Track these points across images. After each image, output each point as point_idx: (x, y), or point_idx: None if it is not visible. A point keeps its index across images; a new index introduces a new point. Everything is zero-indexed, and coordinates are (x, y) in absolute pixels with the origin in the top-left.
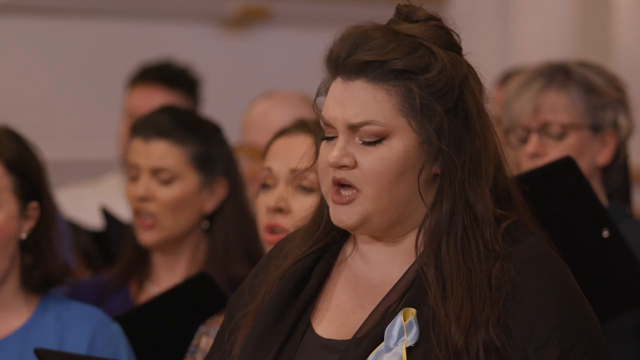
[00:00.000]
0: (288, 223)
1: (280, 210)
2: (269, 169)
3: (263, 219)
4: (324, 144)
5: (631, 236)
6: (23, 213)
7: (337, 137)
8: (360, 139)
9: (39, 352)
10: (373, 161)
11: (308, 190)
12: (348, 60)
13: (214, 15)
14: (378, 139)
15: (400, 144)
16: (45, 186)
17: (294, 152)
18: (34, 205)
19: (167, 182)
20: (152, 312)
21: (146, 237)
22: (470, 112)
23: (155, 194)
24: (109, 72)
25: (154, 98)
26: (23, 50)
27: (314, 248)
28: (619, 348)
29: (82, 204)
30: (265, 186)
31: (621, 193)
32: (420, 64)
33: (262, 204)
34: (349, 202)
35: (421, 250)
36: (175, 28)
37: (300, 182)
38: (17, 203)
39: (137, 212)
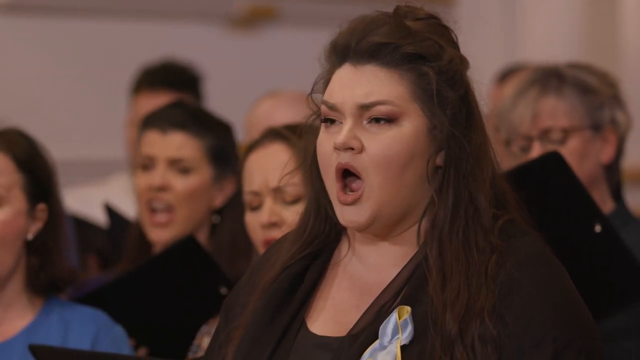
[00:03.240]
0: None
1: (275, 224)
2: (254, 192)
3: (258, 236)
4: (323, 131)
5: (637, 239)
6: (31, 213)
7: (337, 121)
8: (369, 121)
9: (33, 349)
10: (382, 145)
11: (293, 202)
12: (360, 44)
13: (222, 15)
14: (388, 120)
15: (411, 127)
16: (54, 189)
17: (271, 163)
18: (42, 207)
19: (184, 172)
20: (142, 278)
21: (159, 235)
22: (473, 106)
23: (172, 184)
24: (115, 71)
25: (162, 102)
26: (31, 50)
27: (303, 254)
28: (617, 347)
29: (90, 204)
30: (254, 209)
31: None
32: (431, 52)
33: (255, 221)
34: (355, 200)
35: (422, 240)
36: (182, 27)
37: (283, 198)
38: (26, 201)
39: (150, 206)
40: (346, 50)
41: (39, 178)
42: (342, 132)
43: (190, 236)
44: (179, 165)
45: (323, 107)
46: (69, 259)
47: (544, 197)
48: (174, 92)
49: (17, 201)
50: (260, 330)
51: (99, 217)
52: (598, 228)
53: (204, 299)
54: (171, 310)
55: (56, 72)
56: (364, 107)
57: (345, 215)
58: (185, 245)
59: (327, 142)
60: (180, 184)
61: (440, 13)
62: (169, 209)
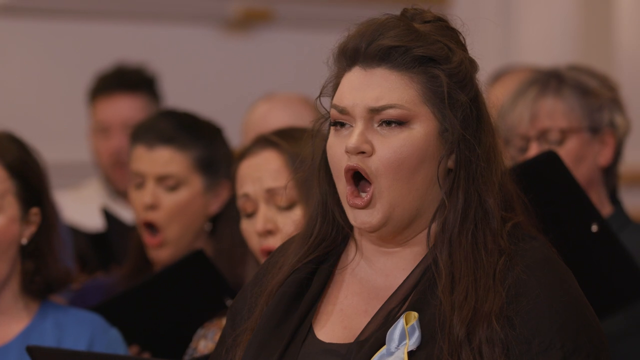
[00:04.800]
0: (280, 243)
1: (270, 231)
2: (246, 195)
3: (255, 244)
4: (333, 135)
5: (636, 241)
6: (24, 218)
7: (347, 124)
8: (379, 124)
9: (31, 350)
10: (392, 148)
11: (288, 208)
12: (370, 47)
13: (216, 17)
14: (399, 123)
15: (422, 130)
16: (46, 192)
17: (262, 170)
18: (35, 210)
19: (172, 188)
20: (150, 290)
21: (157, 255)
22: (483, 108)
23: (161, 201)
24: None
25: (119, 106)
26: (27, 53)
27: (310, 257)
28: (620, 348)
29: (62, 210)
30: (248, 215)
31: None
32: (441, 54)
33: (250, 229)
34: (366, 204)
35: (431, 244)
36: (177, 30)
37: (276, 203)
38: (18, 207)
39: (145, 226)
40: (356, 54)
41: (31, 183)
42: (354, 136)
43: (199, 250)
44: (166, 183)
45: (333, 111)
46: (64, 261)
47: (540, 196)
48: (129, 94)
49: (10, 208)
50: (268, 334)
51: (72, 222)
52: (595, 227)
53: (210, 309)
54: (176, 319)
55: (53, 75)
56: (374, 111)
57: (358, 217)
58: (194, 259)
59: (337, 145)
60: (168, 201)
61: (440, 14)
62: (159, 229)
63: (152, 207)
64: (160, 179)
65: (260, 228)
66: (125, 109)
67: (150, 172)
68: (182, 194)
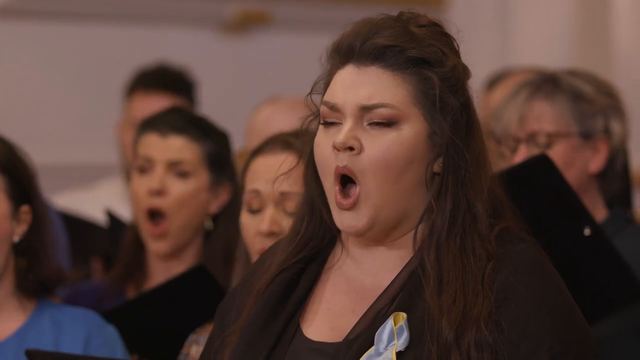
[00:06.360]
0: None
1: (274, 233)
2: (256, 192)
3: (255, 243)
4: (322, 132)
5: (633, 244)
6: (15, 216)
7: (337, 123)
8: (369, 123)
9: (29, 353)
10: (381, 147)
11: (294, 214)
12: (365, 46)
13: (214, 19)
14: (388, 123)
15: (411, 131)
16: (36, 190)
17: (278, 173)
18: (25, 208)
19: (182, 175)
20: (150, 304)
21: (157, 247)
22: (473, 114)
23: (169, 188)
24: (108, 75)
25: (156, 104)
26: (23, 55)
27: (298, 257)
28: (616, 350)
29: (81, 208)
30: (253, 211)
31: (621, 197)
32: (435, 57)
33: (251, 225)
34: (353, 205)
35: (417, 246)
36: (174, 32)
37: (285, 207)
38: (9, 204)
39: (149, 214)
40: (350, 51)
41: (20, 180)
42: (342, 132)
43: (201, 265)
44: (178, 168)
45: (323, 108)
46: (58, 260)
47: (532, 200)
48: (168, 94)
49: (1, 204)
50: (255, 334)
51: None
52: (587, 231)
53: (209, 320)
54: (176, 333)
55: (49, 77)
56: (365, 109)
57: (344, 220)
58: (195, 274)
59: (325, 143)
60: (177, 188)
61: (435, 19)
62: (164, 217)
63: (159, 192)
64: (172, 165)
65: (265, 228)
66: (160, 107)
67: (162, 158)
68: (190, 184)
